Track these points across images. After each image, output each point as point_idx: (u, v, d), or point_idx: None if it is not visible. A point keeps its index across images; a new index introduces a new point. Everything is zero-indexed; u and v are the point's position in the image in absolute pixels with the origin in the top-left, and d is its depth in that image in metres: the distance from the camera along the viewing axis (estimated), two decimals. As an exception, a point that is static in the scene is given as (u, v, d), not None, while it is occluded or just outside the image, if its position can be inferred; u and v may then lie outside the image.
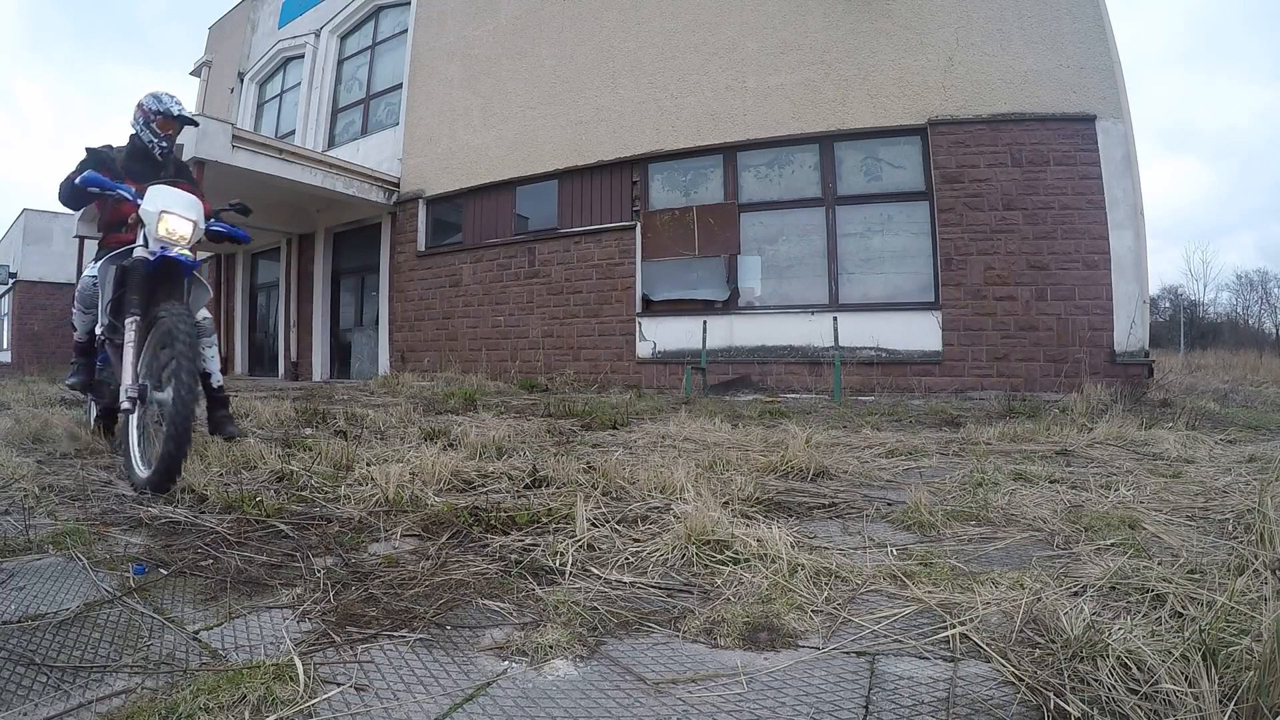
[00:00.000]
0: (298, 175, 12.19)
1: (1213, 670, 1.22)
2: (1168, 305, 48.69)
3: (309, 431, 4.85)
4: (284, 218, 14.84)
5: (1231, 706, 1.13)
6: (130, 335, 3.30)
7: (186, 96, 20.17)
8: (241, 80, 18.39)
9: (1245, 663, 1.22)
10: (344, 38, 15.93)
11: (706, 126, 10.30)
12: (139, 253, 3.51)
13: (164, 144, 4.19)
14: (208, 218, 3.98)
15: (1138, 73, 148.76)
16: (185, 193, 3.75)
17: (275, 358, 16.40)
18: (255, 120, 17.87)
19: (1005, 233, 8.57)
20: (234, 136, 11.11)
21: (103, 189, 3.75)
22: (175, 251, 3.51)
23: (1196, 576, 1.76)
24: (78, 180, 3.78)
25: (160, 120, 4.14)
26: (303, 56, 16.49)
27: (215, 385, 4.13)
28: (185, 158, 10.49)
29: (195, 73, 20.40)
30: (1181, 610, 1.56)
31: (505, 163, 12.12)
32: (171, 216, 3.60)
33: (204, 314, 4.04)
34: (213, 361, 4.14)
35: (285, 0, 17.26)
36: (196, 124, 4.52)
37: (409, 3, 14.26)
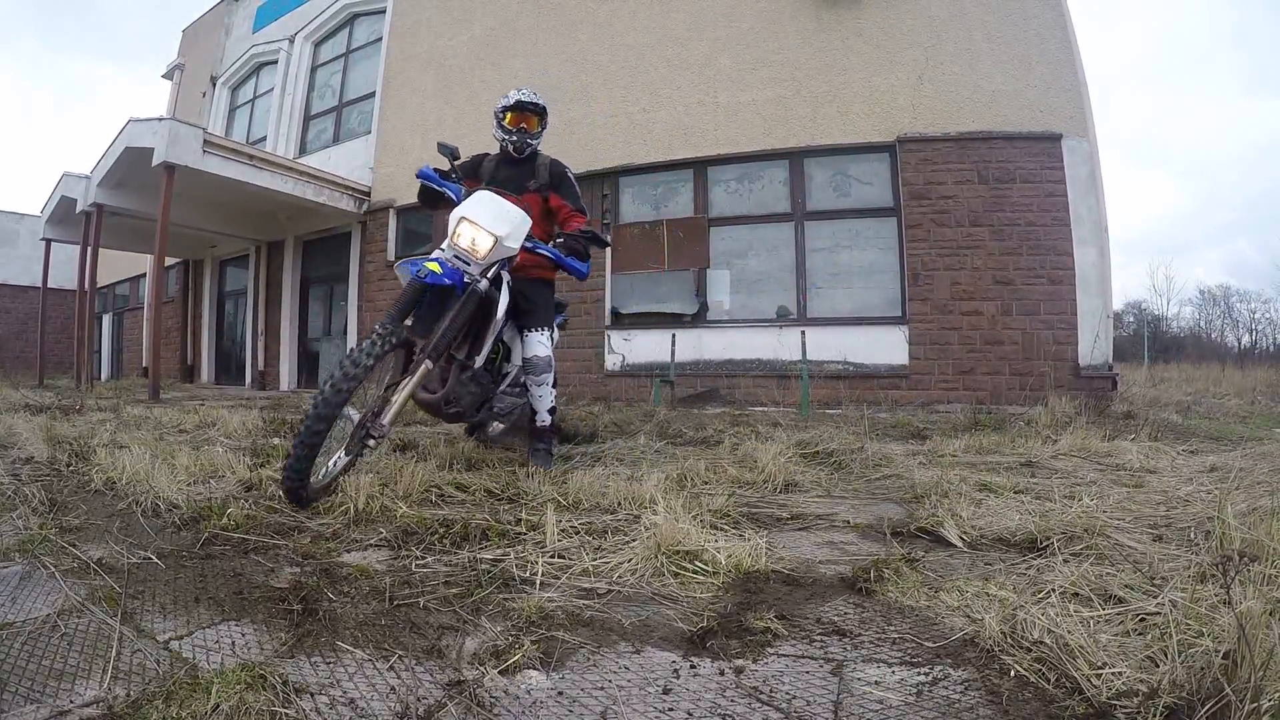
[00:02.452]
0: (268, 182, 12.05)
1: (1176, 669, 1.25)
2: (1132, 320, 49.52)
3: (277, 442, 4.79)
4: (253, 225, 14.70)
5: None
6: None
7: (158, 99, 19.97)
8: (214, 84, 18.20)
9: (1206, 661, 1.25)
10: (318, 44, 15.82)
11: (678, 141, 10.35)
12: (409, 266, 3.14)
13: (514, 138, 3.98)
14: (550, 236, 3.82)
15: (1107, 89, 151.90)
16: (509, 203, 3.38)
17: (242, 366, 16.18)
18: (227, 125, 17.67)
19: (972, 249, 8.70)
20: (205, 141, 10.96)
21: (431, 184, 3.62)
22: (434, 270, 3.05)
23: (1159, 582, 1.80)
24: (417, 173, 3.68)
25: (508, 115, 3.97)
26: (276, 62, 16.33)
27: (539, 423, 4.06)
28: (155, 162, 10.36)
29: (168, 75, 20.16)
30: (1144, 615, 1.59)
31: (478, 173, 12.04)
32: (468, 225, 3.20)
33: (537, 348, 3.90)
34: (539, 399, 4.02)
35: (260, 5, 17.10)
36: (545, 111, 4.08)
37: (384, 11, 14.21)
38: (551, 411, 4.09)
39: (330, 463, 3.00)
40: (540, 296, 4.01)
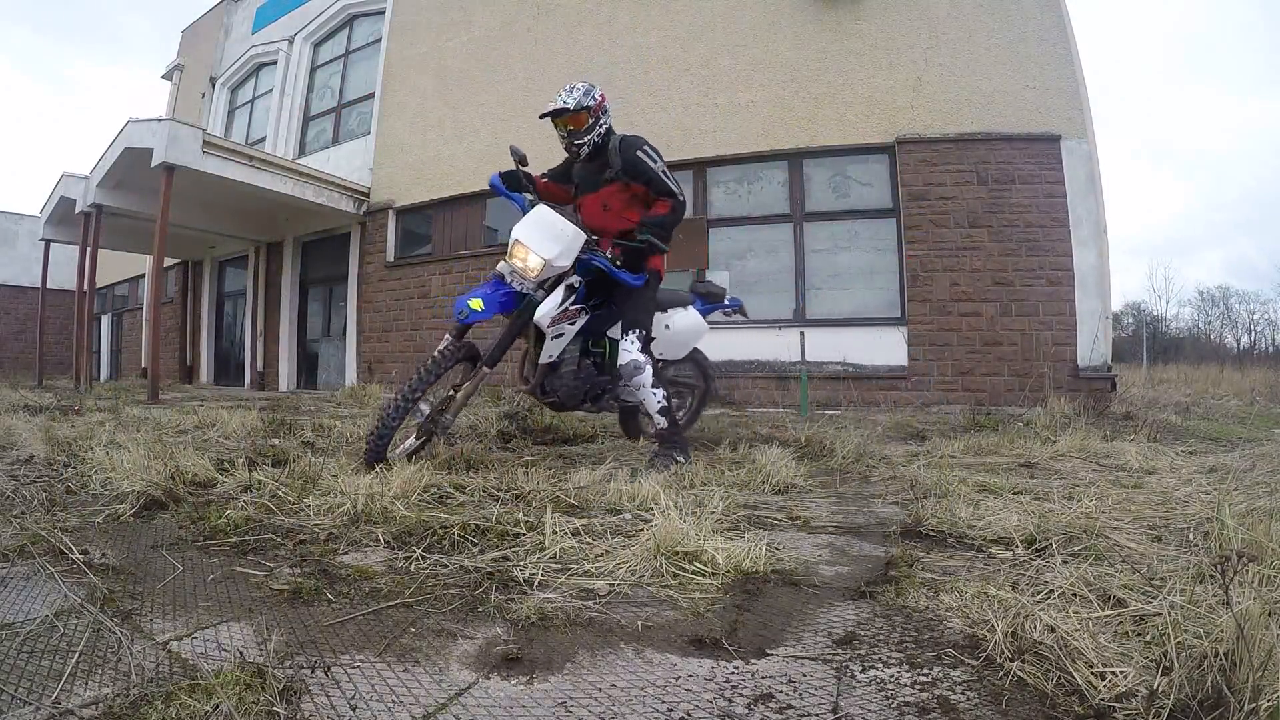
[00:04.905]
0: (268, 183, 12.05)
1: (1175, 670, 1.25)
2: (1131, 321, 49.46)
3: (275, 442, 4.79)
4: (253, 226, 14.70)
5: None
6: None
7: (157, 99, 19.94)
8: (213, 85, 18.20)
9: (1204, 662, 1.25)
10: (317, 45, 15.83)
11: (677, 141, 10.31)
12: (458, 302, 3.58)
13: (564, 141, 3.98)
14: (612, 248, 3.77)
15: (1111, 88, 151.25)
16: (561, 221, 3.60)
17: (242, 367, 16.18)
18: (226, 126, 17.68)
19: (971, 250, 8.70)
20: (204, 142, 10.96)
21: (497, 194, 3.97)
22: (476, 308, 3.51)
23: (1157, 583, 1.80)
24: (489, 180, 4.00)
25: (555, 122, 3.94)
26: (275, 63, 16.34)
27: (655, 427, 4.00)
28: (154, 162, 10.36)
29: (167, 76, 20.17)
30: (1143, 616, 1.59)
31: (476, 174, 12.02)
32: (520, 246, 3.54)
33: (621, 353, 3.89)
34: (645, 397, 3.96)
35: (260, 6, 17.12)
36: (586, 105, 3.90)
37: (383, 12, 14.22)
38: (663, 412, 3.92)
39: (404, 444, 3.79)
40: (626, 300, 3.95)
